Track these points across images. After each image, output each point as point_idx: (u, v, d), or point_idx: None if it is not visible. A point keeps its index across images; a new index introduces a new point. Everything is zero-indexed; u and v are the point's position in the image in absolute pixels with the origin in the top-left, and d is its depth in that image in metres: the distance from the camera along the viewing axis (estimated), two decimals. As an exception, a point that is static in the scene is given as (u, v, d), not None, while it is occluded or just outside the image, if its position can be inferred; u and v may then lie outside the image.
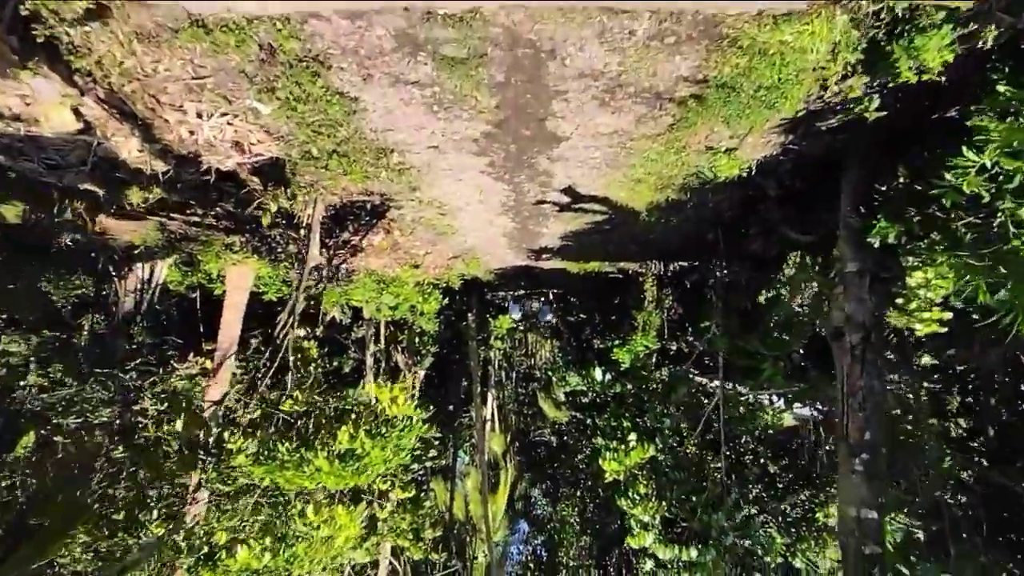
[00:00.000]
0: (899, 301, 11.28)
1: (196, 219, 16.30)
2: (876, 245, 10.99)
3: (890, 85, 9.73)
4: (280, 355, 15.71)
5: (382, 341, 24.30)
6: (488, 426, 33.02)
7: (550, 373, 30.82)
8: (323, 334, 22.25)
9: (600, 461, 19.00)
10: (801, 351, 16.64)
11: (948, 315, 10.80)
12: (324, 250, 16.42)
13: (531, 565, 33.24)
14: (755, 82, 9.88)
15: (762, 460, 21.50)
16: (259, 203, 13.61)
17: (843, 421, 11.95)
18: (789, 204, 14.28)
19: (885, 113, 10.03)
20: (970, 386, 15.27)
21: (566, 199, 15.32)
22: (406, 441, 15.94)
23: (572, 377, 26.57)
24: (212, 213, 15.94)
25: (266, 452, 13.66)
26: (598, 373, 22.41)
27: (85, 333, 21.26)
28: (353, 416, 14.99)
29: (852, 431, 11.72)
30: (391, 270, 20.45)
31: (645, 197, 14.89)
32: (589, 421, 24.42)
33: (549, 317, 31.58)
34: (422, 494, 23.96)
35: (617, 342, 21.91)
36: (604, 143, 12.23)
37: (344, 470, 13.50)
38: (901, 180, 11.88)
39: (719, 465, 18.69)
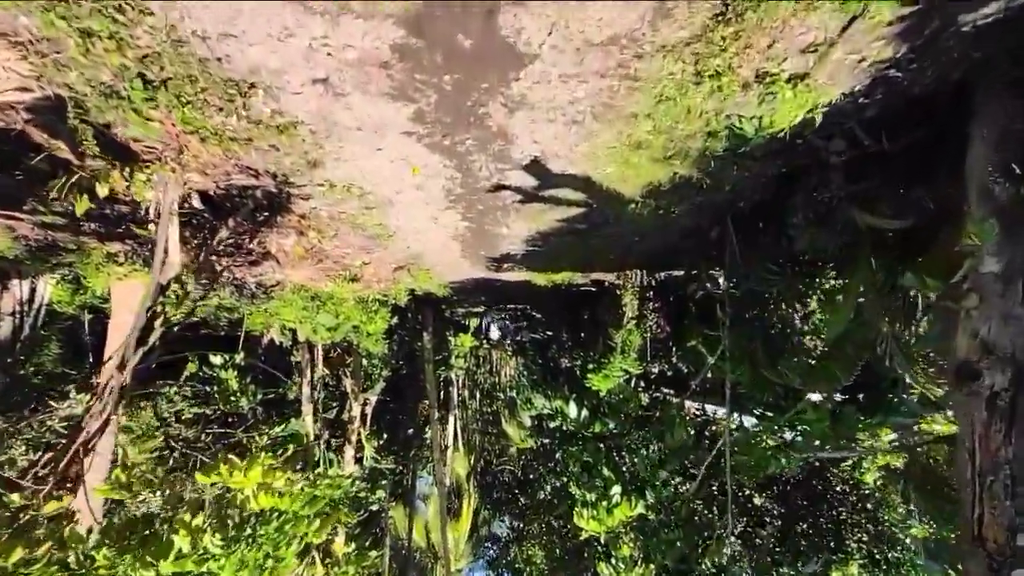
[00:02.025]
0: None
1: (43, 218, 10.72)
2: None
3: None
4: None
5: (319, 367, 18.74)
6: (451, 448, 28.33)
7: (514, 394, 25.30)
8: (245, 361, 16.69)
9: (575, 518, 13.46)
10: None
11: None
12: (207, 255, 10.66)
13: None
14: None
15: (776, 512, 15.90)
16: (67, 181, 7.87)
17: (972, 514, 6.48)
18: (866, 174, 8.59)
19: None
20: None
21: (532, 181, 9.80)
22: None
23: (538, 399, 21.21)
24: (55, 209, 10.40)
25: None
26: (572, 408, 16.46)
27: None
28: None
29: (992, 531, 6.36)
30: (322, 284, 15.09)
31: (642, 174, 9.37)
32: (559, 455, 18.77)
33: (495, 334, 26.26)
34: (367, 541, 18.34)
35: (592, 366, 16.14)
36: (594, 64, 6.56)
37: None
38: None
39: (721, 519, 13.25)
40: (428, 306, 21.54)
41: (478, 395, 31.19)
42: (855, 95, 7.29)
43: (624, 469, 14.32)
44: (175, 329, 13.48)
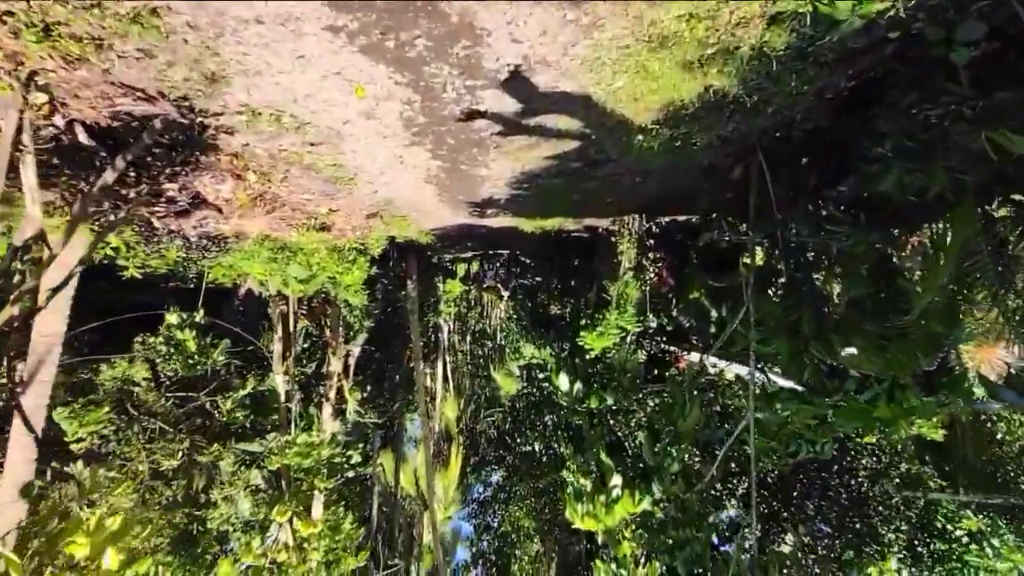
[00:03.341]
0: None
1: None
2: None
3: None
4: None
5: (301, 319, 16.03)
6: (440, 394, 25.82)
7: (503, 342, 22.61)
8: (206, 321, 13.98)
9: (567, 511, 10.80)
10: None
11: None
12: (84, 205, 7.74)
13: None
14: None
15: (806, 500, 13.22)
16: None
17: None
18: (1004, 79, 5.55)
19: None
20: None
21: (512, 104, 7.00)
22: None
23: (527, 348, 19.02)
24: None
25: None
26: (563, 380, 13.48)
27: None
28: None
29: None
30: (284, 234, 12.24)
31: (662, 90, 6.63)
32: (549, 420, 16.11)
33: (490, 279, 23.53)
34: (346, 502, 15.79)
35: (584, 321, 13.32)
36: None
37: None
38: None
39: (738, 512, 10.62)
40: (412, 253, 18.71)
41: (468, 338, 28.41)
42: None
43: (625, 454, 11.69)
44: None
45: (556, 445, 15.52)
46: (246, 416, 15.99)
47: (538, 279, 21.43)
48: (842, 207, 7.23)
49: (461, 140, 8.22)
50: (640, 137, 7.69)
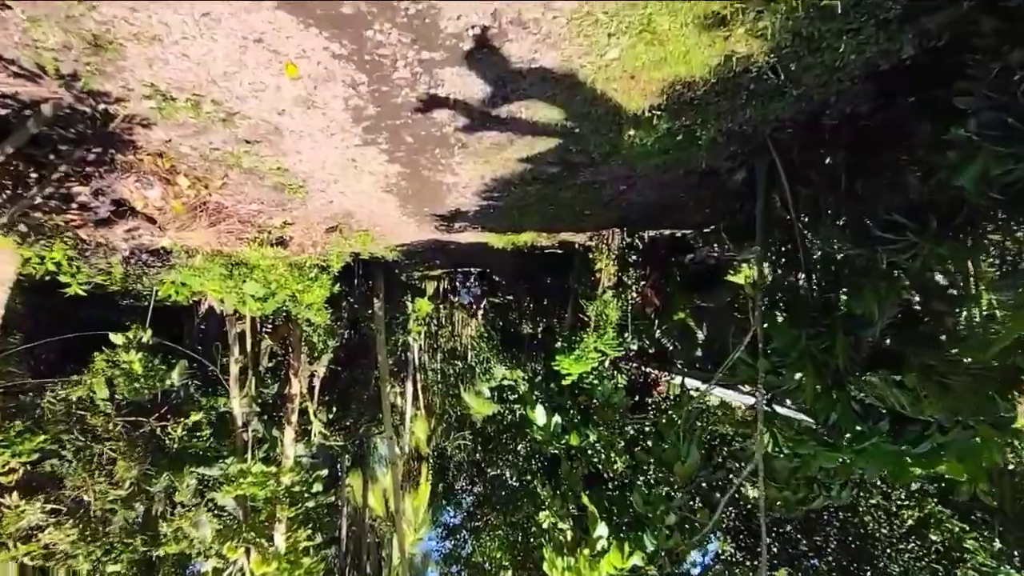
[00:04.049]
0: None
1: None
2: None
3: None
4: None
5: (249, 341, 14.43)
6: (409, 413, 23.68)
7: (473, 363, 21.15)
8: (152, 341, 12.35)
9: (545, 565, 9.19)
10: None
11: None
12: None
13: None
14: None
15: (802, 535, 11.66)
16: None
17: None
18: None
19: None
20: None
21: (479, 87, 5.65)
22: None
23: (498, 369, 18.63)
24: None
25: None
26: (539, 414, 11.32)
27: None
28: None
29: None
30: (235, 249, 10.76)
31: (671, 61, 5.25)
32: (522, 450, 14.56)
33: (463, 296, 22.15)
34: (310, 530, 14.16)
35: (561, 344, 11.83)
36: None
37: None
38: None
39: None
40: (379, 270, 17.22)
41: (439, 356, 26.78)
42: None
43: (608, 493, 10.10)
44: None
45: (529, 478, 13.99)
46: (205, 439, 14.45)
47: (509, 297, 20.04)
48: (893, 212, 5.68)
49: (421, 138, 6.79)
50: (632, 132, 6.28)
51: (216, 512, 14.10)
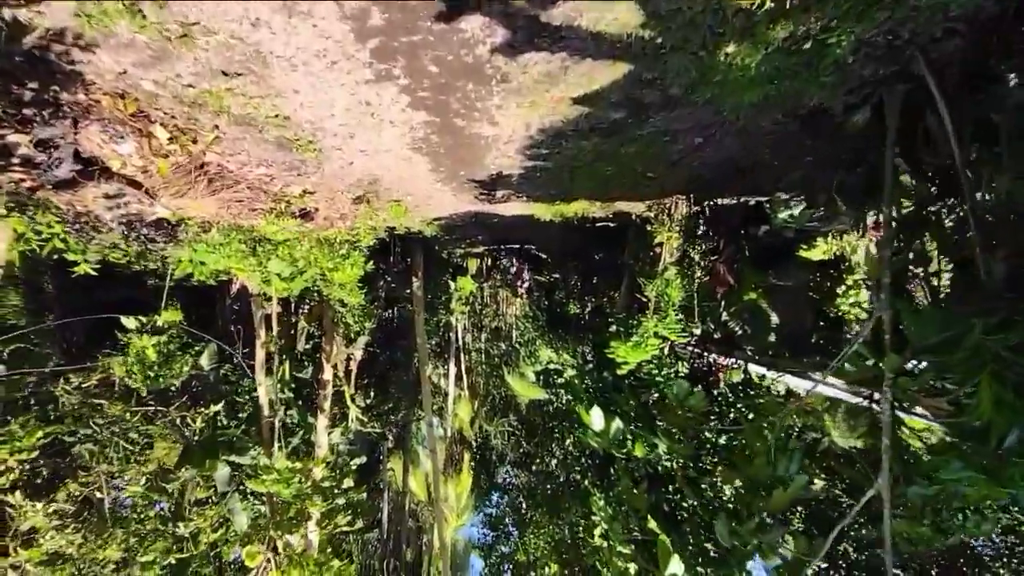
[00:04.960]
0: None
1: None
2: None
3: None
4: None
5: (275, 325, 12.80)
6: (451, 395, 22.33)
7: (518, 344, 19.48)
8: (168, 323, 11.31)
9: None
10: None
11: None
12: None
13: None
14: None
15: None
16: None
17: None
18: None
19: None
20: None
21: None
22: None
23: (544, 351, 16.72)
24: None
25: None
26: (596, 417, 9.01)
27: None
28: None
29: None
30: (248, 222, 9.21)
31: None
32: (573, 448, 12.72)
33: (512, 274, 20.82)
34: (349, 520, 12.40)
35: (615, 328, 9.91)
36: None
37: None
38: None
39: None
40: (417, 246, 15.55)
41: (483, 336, 25.12)
42: None
43: (679, 517, 8.06)
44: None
45: (579, 477, 12.18)
46: (238, 426, 13.02)
47: (555, 276, 18.21)
48: None
49: (448, 66, 5.00)
50: (732, 48, 4.39)
51: (251, 501, 12.78)
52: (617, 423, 7.88)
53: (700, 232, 9.45)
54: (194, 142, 6.33)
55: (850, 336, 10.23)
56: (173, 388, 12.20)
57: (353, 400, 15.28)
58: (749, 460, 6.69)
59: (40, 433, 9.86)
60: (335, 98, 5.59)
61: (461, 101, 5.81)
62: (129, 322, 10.58)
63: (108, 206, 6.83)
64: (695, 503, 8.09)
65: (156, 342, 10.68)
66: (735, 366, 11.03)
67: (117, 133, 5.66)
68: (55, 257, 8.46)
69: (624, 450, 8.35)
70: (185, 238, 9.15)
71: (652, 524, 7.05)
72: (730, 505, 7.22)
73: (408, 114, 6.14)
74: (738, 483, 6.54)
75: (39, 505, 9.90)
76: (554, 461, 15.89)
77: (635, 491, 7.22)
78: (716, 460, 8.59)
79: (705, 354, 11.15)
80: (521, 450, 20.12)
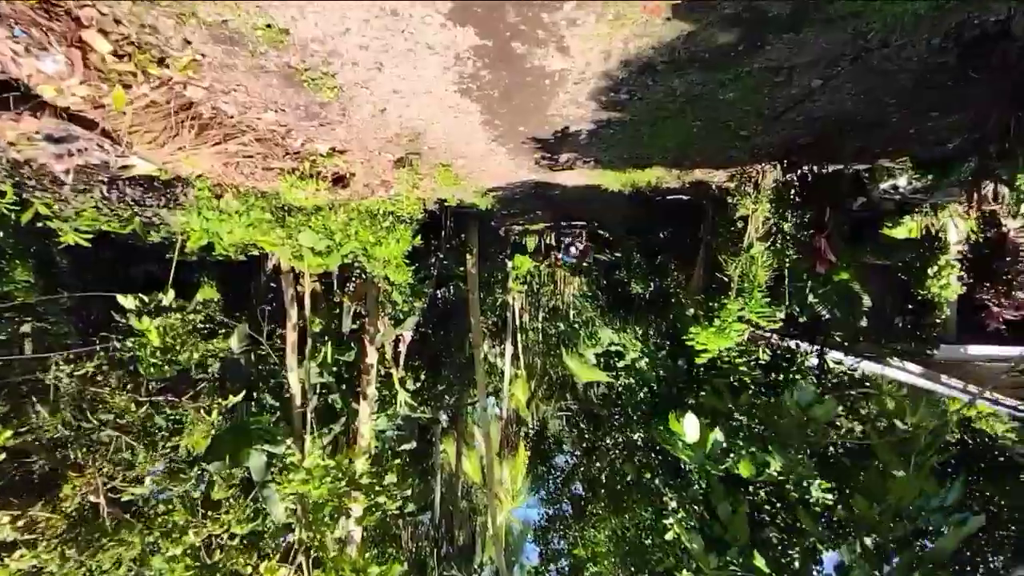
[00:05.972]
0: None
1: None
2: None
3: None
4: None
5: (307, 304, 11.01)
6: (507, 375, 20.59)
7: (576, 325, 18.63)
8: (176, 303, 9.64)
9: None
10: None
11: None
12: None
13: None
14: None
15: None
16: None
17: None
18: None
19: None
20: None
21: None
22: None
23: (604, 331, 14.90)
24: None
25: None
26: (690, 425, 6.09)
27: None
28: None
29: None
30: (264, 184, 7.40)
31: None
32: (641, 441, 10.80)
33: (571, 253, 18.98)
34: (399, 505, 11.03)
35: (694, 312, 7.93)
36: None
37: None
38: None
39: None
40: (471, 221, 14.10)
41: (540, 315, 23.42)
42: None
43: (787, 554, 6.14)
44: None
45: (649, 475, 10.26)
46: (271, 412, 11.41)
47: (617, 254, 16.24)
48: None
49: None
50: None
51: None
52: (717, 435, 5.80)
53: (794, 204, 7.32)
54: (162, 64, 4.46)
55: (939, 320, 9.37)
56: (200, 372, 10.68)
57: (402, 384, 13.53)
58: (883, 483, 4.53)
59: (7, 434, 8.12)
60: (367, 23, 3.66)
61: (521, 11, 3.82)
62: (127, 301, 8.73)
63: (55, 152, 4.94)
64: (816, 539, 6.13)
65: (162, 323, 8.94)
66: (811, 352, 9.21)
67: (33, 40, 3.81)
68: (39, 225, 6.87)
69: (723, 466, 6.29)
70: (187, 202, 7.38)
71: (759, 562, 5.03)
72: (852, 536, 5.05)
73: (450, 32, 4.22)
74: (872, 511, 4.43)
75: (5, 519, 8.29)
76: (616, 450, 13.93)
77: (734, 515, 5.21)
78: (837, 482, 6.71)
79: (784, 341, 9.25)
80: (579, 434, 18.23)
